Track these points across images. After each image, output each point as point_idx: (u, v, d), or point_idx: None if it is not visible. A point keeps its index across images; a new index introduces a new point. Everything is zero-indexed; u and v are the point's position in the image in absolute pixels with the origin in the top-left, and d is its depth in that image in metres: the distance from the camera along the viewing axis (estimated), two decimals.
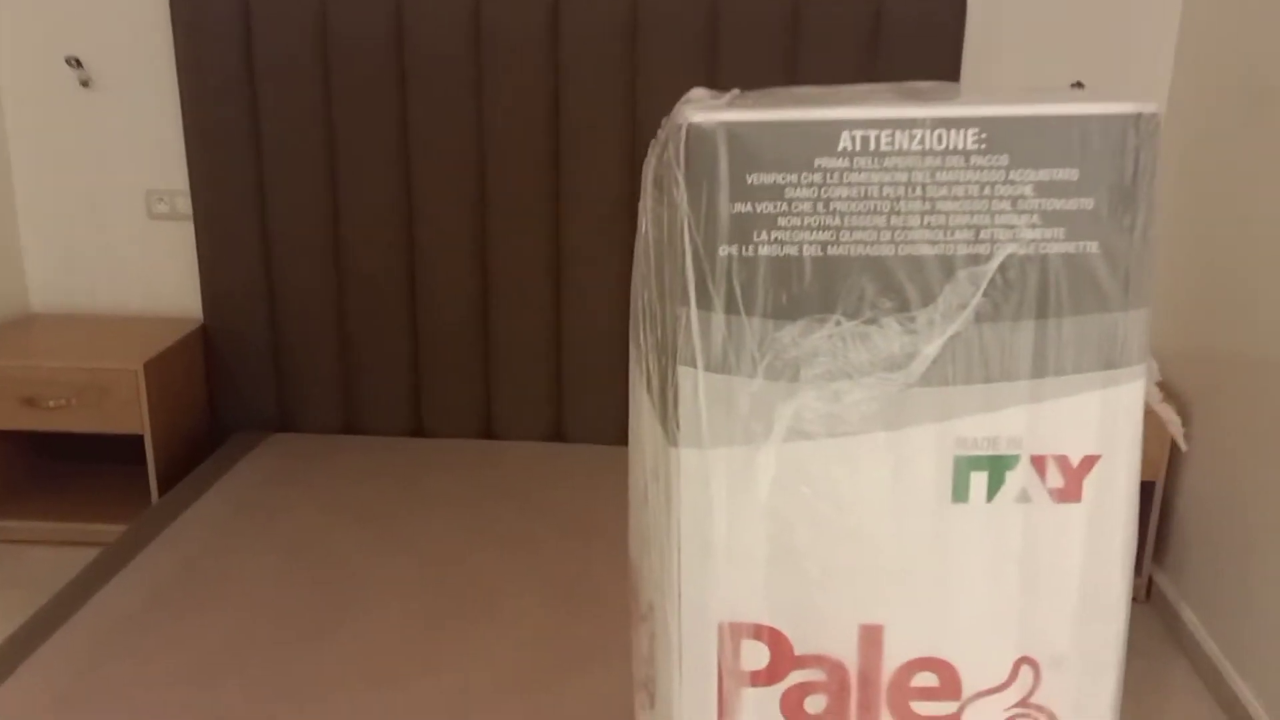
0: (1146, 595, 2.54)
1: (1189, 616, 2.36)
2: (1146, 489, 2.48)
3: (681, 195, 0.85)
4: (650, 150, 0.97)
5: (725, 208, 0.85)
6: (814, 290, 0.85)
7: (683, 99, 1.02)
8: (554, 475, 2.64)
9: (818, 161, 0.83)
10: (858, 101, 0.85)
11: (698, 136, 0.84)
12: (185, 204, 2.80)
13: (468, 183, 2.66)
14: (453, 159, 2.64)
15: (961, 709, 0.93)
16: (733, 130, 0.83)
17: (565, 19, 2.55)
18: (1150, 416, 2.40)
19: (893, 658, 0.92)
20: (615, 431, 2.79)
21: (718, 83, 2.53)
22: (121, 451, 2.91)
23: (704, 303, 0.86)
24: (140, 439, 2.71)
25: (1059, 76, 2.58)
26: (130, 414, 2.56)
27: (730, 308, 0.86)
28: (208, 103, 2.65)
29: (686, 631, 0.95)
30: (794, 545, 0.90)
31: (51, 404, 2.55)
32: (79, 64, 2.74)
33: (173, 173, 2.79)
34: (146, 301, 2.91)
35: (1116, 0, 2.53)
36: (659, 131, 0.93)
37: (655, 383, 0.95)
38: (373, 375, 2.82)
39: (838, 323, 0.85)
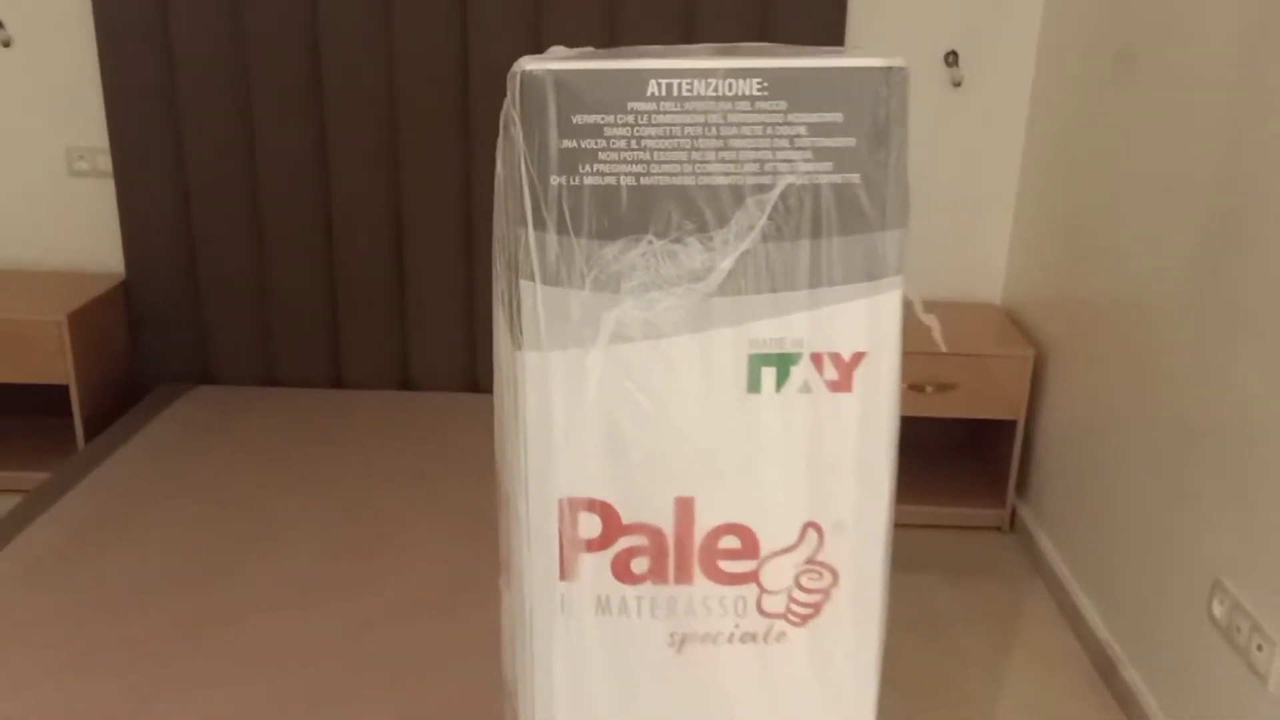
0: (1010, 526, 2.78)
1: (1045, 543, 2.59)
2: (1008, 427, 2.71)
3: (518, 133, 1.01)
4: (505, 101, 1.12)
5: (555, 144, 1.01)
6: (630, 214, 1.02)
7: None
8: (469, 422, 2.78)
9: (630, 105, 1.00)
10: (667, 56, 1.01)
11: (530, 83, 1.00)
12: (105, 161, 2.89)
13: (380, 136, 2.79)
14: (366, 115, 2.77)
15: (760, 566, 1.11)
16: (559, 78, 1.00)
17: None
18: (1003, 362, 2.63)
19: (703, 524, 1.10)
20: None
21: (618, 42, 2.68)
22: (44, 404, 3.01)
23: (539, 225, 1.03)
24: (63, 390, 2.82)
25: (936, 41, 2.77)
26: (56, 365, 2.66)
27: (561, 229, 1.03)
28: (125, 62, 2.75)
29: (533, 508, 1.12)
30: (619, 432, 1.08)
31: None
32: (0, 25, 2.81)
33: (93, 131, 2.88)
34: (68, 258, 3.00)
35: None
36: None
37: (506, 297, 1.11)
38: (292, 329, 2.95)
39: (650, 242, 1.02)
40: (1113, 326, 2.27)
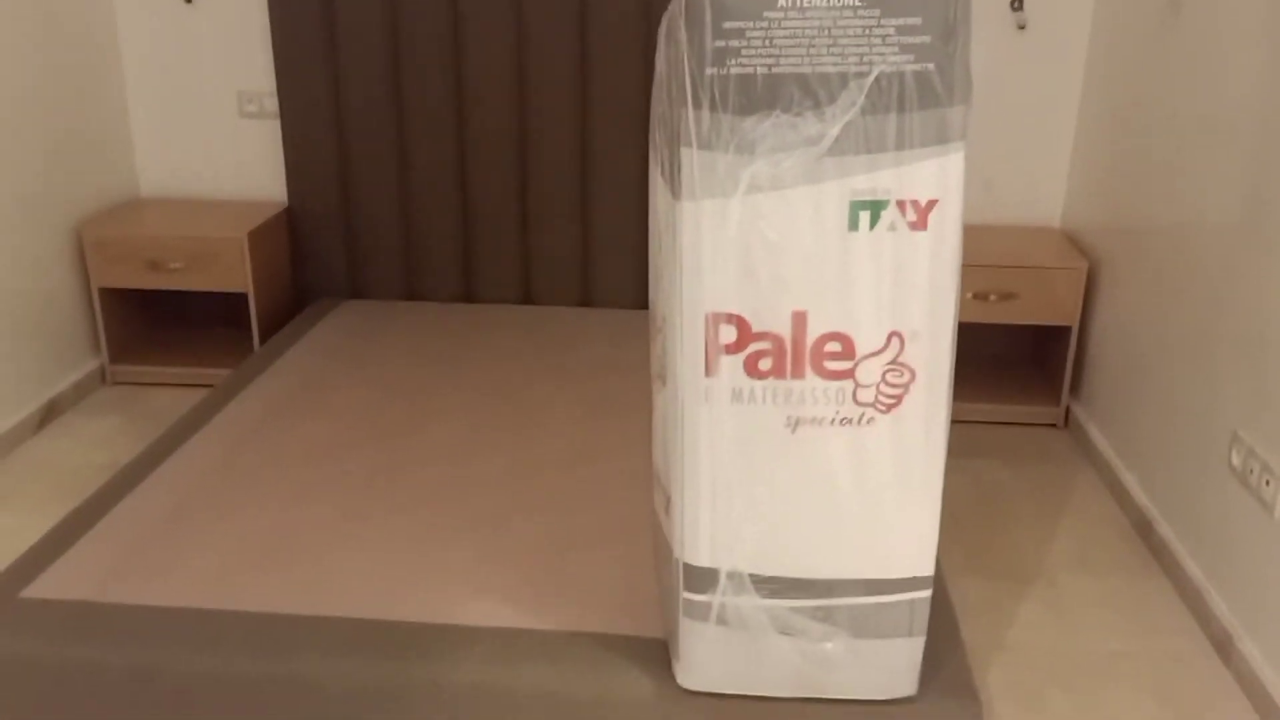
0: (1065, 422, 3.11)
1: (1094, 434, 2.92)
2: (1063, 332, 3.04)
3: (682, 37, 1.39)
4: (663, 18, 1.51)
5: (710, 44, 1.39)
6: (764, 95, 1.39)
7: None
8: (584, 331, 3.20)
9: (765, 13, 1.37)
10: None
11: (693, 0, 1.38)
12: (272, 104, 3.34)
13: (509, 81, 3.19)
14: (497, 62, 3.17)
15: (856, 365, 1.49)
16: None
17: None
18: (1060, 274, 2.95)
19: (812, 332, 1.47)
20: (634, 297, 3.35)
21: None
22: (220, 314, 3.49)
23: (697, 104, 1.41)
24: (241, 299, 3.28)
25: None
26: (237, 275, 3.13)
27: (713, 107, 1.41)
28: (291, 15, 3.18)
29: (686, 321, 1.50)
30: (751, 260, 1.46)
31: (172, 266, 3.11)
32: None
33: (260, 77, 3.33)
34: (237, 189, 3.46)
35: None
36: (669, 5, 1.47)
37: (666, 163, 1.50)
38: (429, 250, 3.38)
39: (778, 115, 1.40)
40: (1158, 244, 2.59)
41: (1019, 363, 3.36)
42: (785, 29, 1.37)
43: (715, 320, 1.49)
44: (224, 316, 3.49)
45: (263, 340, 3.22)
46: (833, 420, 1.52)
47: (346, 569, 1.97)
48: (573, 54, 3.15)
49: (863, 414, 1.51)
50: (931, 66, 1.38)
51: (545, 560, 2.00)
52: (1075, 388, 3.09)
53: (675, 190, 1.46)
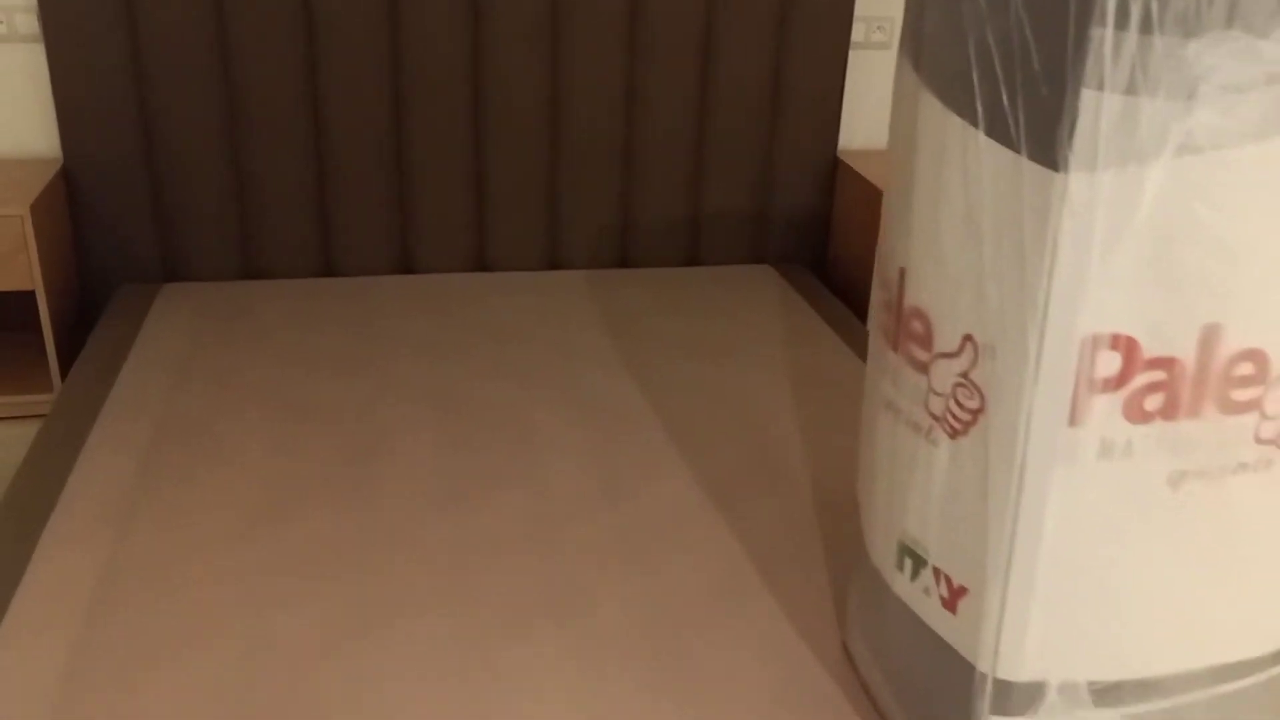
0: None
1: None
2: None
3: None
4: None
5: None
6: (1221, 3, 0.91)
7: None
8: (484, 301, 2.56)
9: None
10: None
11: None
12: (29, 22, 2.37)
13: None
14: None
15: (1265, 392, 1.06)
16: None
17: None
18: None
19: (1224, 351, 1.03)
20: (542, 257, 2.74)
21: None
22: None
23: (1122, 22, 0.90)
24: (21, 298, 2.36)
25: None
26: (16, 267, 2.21)
27: (1146, 26, 0.90)
28: None
29: (1048, 349, 1.01)
30: (1167, 256, 0.98)
31: None
32: None
33: None
34: None
35: None
36: None
37: (1020, 115, 0.98)
38: (272, 210, 2.57)
39: (1236, 36, 0.92)
40: None
41: None
42: None
43: (1094, 346, 1.01)
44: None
45: (63, 350, 2.32)
46: (1223, 468, 1.09)
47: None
48: None
49: (1260, 456, 1.10)
50: None
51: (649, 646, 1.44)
52: None
53: (1051, 155, 0.95)
